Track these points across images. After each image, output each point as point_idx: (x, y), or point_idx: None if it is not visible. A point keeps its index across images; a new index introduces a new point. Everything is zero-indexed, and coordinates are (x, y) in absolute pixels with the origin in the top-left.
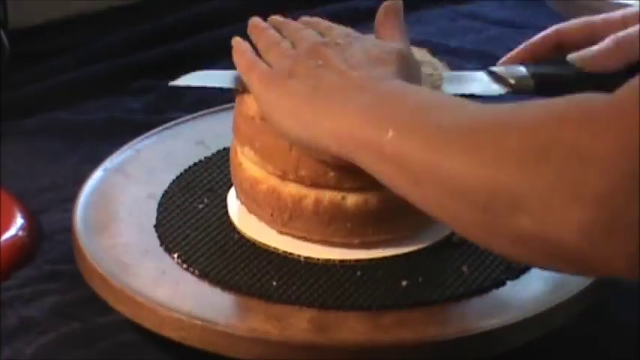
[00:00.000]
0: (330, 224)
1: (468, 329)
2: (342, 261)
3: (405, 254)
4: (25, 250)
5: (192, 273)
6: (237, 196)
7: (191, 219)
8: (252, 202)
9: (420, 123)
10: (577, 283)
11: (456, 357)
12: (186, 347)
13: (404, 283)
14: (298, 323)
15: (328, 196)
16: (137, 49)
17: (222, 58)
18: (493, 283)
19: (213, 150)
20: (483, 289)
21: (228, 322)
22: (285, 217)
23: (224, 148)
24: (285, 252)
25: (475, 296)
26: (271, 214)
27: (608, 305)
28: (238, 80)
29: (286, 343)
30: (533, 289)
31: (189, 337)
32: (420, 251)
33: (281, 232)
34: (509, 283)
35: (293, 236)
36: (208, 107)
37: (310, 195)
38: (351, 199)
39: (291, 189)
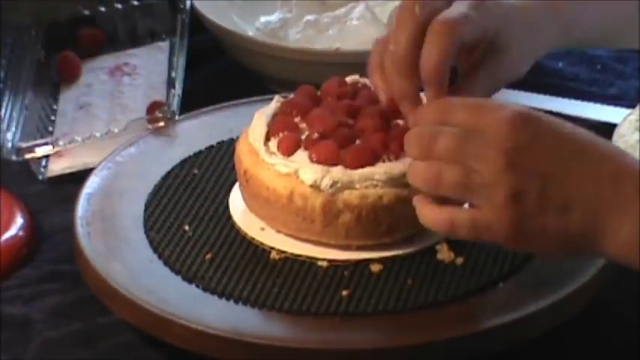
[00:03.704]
0: (330, 226)
1: (467, 329)
2: (335, 261)
3: (405, 255)
4: (25, 250)
5: (193, 276)
6: (244, 199)
7: (193, 219)
8: (261, 208)
9: None
10: (576, 281)
11: (456, 356)
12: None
13: (406, 284)
14: (299, 327)
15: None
16: None
17: (222, 58)
18: (492, 283)
19: (216, 148)
20: (483, 289)
21: (226, 327)
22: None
23: (226, 145)
24: (286, 255)
25: (475, 295)
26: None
27: (609, 305)
28: None
29: (290, 347)
30: (532, 287)
31: (188, 341)
32: (419, 252)
33: (288, 236)
34: (508, 281)
35: (295, 238)
36: (209, 105)
37: (318, 198)
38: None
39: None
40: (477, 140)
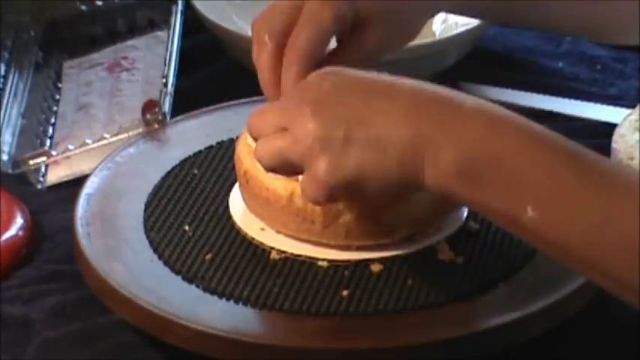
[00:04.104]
0: (330, 226)
1: (467, 329)
2: (335, 261)
3: (405, 255)
4: (25, 250)
5: (193, 276)
6: (243, 199)
7: (193, 219)
8: (261, 208)
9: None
10: (576, 281)
11: (456, 356)
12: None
13: (406, 284)
14: (299, 327)
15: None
16: None
17: (222, 58)
18: (493, 283)
19: (216, 148)
20: (483, 289)
21: (226, 327)
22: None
23: (226, 145)
24: (287, 255)
25: (475, 295)
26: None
27: (608, 305)
28: None
29: (290, 347)
30: (532, 287)
31: (188, 341)
32: (419, 252)
33: (288, 236)
34: (508, 281)
35: (295, 239)
36: (209, 105)
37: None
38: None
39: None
40: (289, 106)
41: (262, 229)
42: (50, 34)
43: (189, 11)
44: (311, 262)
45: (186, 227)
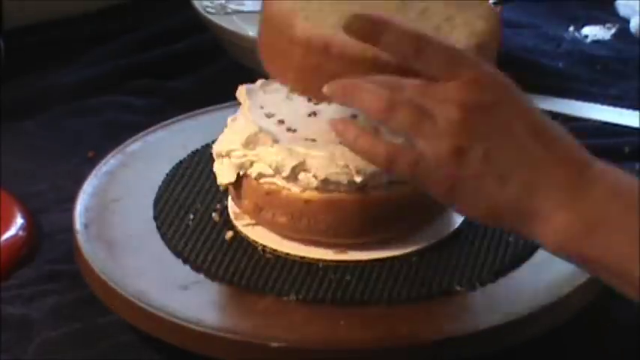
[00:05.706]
0: (329, 224)
1: (467, 328)
2: (338, 261)
3: (403, 255)
4: (25, 250)
5: (193, 277)
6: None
7: (193, 219)
8: (257, 208)
9: None
10: (576, 281)
11: (455, 356)
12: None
13: (405, 283)
14: (298, 325)
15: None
16: (137, 49)
17: (222, 58)
18: (491, 282)
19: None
20: (482, 288)
21: (227, 326)
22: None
23: None
24: (285, 254)
25: (473, 295)
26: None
27: (608, 305)
28: None
29: (288, 345)
30: (532, 287)
31: (186, 341)
32: (419, 251)
33: (285, 237)
34: (507, 281)
35: (291, 239)
36: (209, 105)
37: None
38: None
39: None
40: (444, 86)
41: (262, 230)
42: None
43: (189, 11)
44: (311, 261)
45: (187, 226)
